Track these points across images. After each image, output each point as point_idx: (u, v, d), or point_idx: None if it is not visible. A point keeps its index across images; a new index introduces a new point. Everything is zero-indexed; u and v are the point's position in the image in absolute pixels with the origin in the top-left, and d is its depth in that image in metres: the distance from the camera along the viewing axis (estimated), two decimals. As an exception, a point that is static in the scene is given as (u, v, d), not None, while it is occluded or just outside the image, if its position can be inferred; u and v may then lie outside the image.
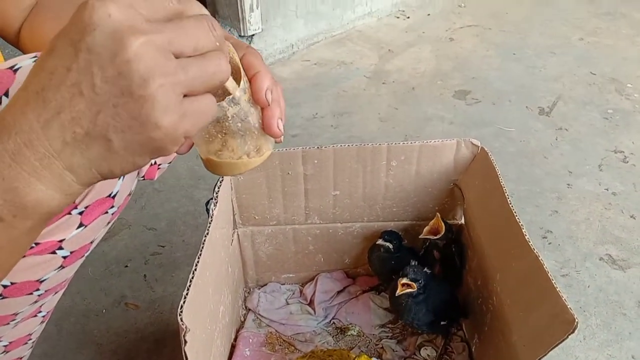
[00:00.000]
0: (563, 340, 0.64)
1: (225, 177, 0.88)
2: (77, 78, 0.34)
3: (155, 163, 0.77)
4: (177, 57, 0.36)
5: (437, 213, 1.00)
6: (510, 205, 0.80)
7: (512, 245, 0.79)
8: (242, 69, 0.47)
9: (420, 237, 1.00)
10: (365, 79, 2.00)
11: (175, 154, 0.83)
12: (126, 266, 1.21)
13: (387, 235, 1.02)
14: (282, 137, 0.53)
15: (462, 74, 2.02)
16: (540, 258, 0.72)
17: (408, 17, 2.50)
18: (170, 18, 0.37)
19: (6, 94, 0.52)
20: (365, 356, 0.86)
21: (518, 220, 0.78)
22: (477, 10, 2.57)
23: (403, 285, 0.91)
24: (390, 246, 1.01)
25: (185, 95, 0.37)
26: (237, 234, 1.03)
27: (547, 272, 0.70)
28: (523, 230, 0.76)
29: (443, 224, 0.98)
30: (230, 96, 0.45)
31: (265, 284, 1.13)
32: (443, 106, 1.82)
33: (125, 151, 0.37)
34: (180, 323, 0.60)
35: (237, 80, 0.46)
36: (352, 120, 1.74)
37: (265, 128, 0.49)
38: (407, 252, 1.02)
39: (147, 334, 1.07)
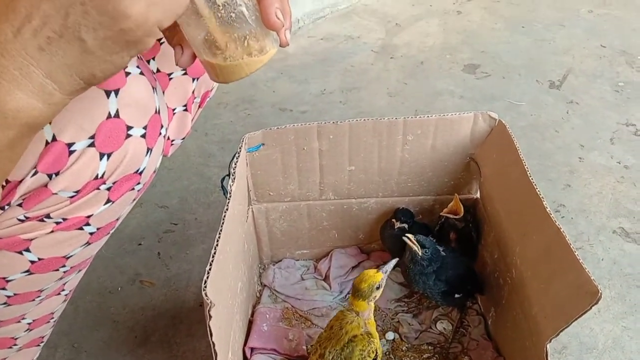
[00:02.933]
0: (586, 311, 0.65)
1: (241, 153, 0.88)
2: None
3: (168, 139, 0.77)
4: None
5: (455, 194, 0.99)
6: (530, 178, 0.80)
7: (533, 218, 0.78)
8: None
9: (441, 214, 1.00)
10: (373, 53, 1.97)
11: (189, 129, 0.83)
12: (140, 244, 1.22)
13: (403, 215, 1.02)
14: (287, 36, 0.51)
15: (471, 47, 2.00)
16: (562, 230, 0.71)
17: (414, -9, 2.47)
18: None
19: None
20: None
21: (538, 192, 0.77)
22: (485, -17, 2.53)
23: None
24: (406, 226, 1.01)
25: None
26: (252, 211, 1.03)
27: (569, 244, 0.69)
28: (544, 203, 0.76)
29: (461, 205, 0.98)
30: None
31: (280, 260, 1.13)
32: (452, 80, 1.80)
33: (101, 50, 0.38)
34: (205, 298, 0.60)
35: None
36: (361, 95, 1.73)
37: (263, 20, 0.48)
38: (420, 229, 1.02)
39: (163, 311, 1.08)
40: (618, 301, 1.08)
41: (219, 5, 0.45)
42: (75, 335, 1.04)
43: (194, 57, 0.52)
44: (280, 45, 0.52)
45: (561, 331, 0.67)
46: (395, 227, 1.02)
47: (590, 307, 0.64)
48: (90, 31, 0.37)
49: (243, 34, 0.48)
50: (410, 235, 0.91)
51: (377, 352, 0.82)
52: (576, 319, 0.65)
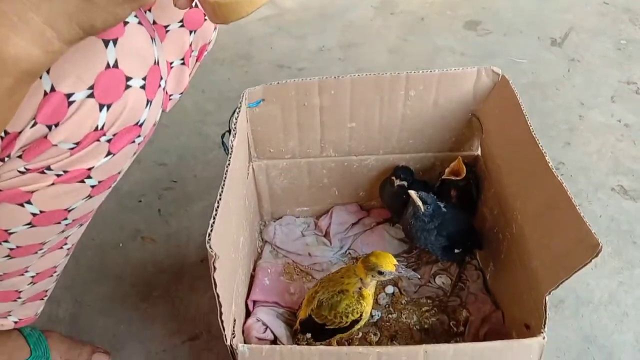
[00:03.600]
0: (587, 263, 0.65)
1: (241, 109, 0.87)
2: None
3: (167, 93, 0.76)
4: None
5: (459, 156, 0.99)
6: (533, 133, 0.80)
7: (535, 173, 0.78)
8: None
9: (443, 177, 1.00)
10: (372, 9, 1.94)
11: (187, 84, 0.82)
12: (140, 201, 1.22)
13: (402, 172, 1.02)
14: None
15: (472, 3, 1.96)
16: (564, 185, 0.71)
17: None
18: None
19: None
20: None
21: (541, 147, 0.77)
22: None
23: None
24: (406, 184, 1.01)
25: None
26: (252, 168, 1.02)
27: (571, 198, 0.70)
28: (546, 158, 0.76)
29: (464, 166, 0.98)
30: None
31: (280, 217, 1.13)
32: (453, 37, 1.77)
33: (103, 0, 0.38)
34: (210, 250, 0.61)
35: None
36: (360, 52, 1.71)
37: None
38: (420, 187, 1.02)
39: (165, 267, 1.09)
40: (615, 257, 1.09)
41: None
42: (78, 290, 1.05)
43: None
44: None
45: (561, 283, 0.68)
46: (395, 184, 1.02)
47: (591, 260, 0.64)
48: None
49: None
50: (413, 192, 0.91)
51: (361, 315, 0.83)
52: (577, 271, 0.66)
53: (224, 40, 1.67)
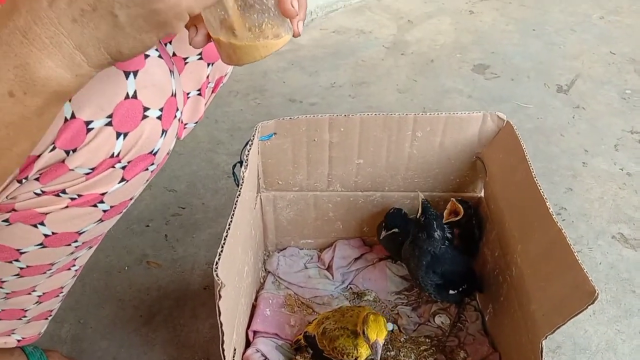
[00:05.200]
0: (583, 310, 0.66)
1: (253, 142, 0.89)
2: None
3: (182, 122, 0.79)
4: None
5: (452, 198, 1.02)
6: (535, 180, 0.82)
7: (535, 218, 0.80)
8: None
9: (444, 221, 1.02)
10: (384, 49, 1.99)
11: (202, 114, 0.85)
12: (147, 226, 1.24)
13: (390, 220, 1.05)
14: (300, 27, 0.53)
15: (482, 47, 2.01)
16: (563, 231, 0.73)
17: (428, -12, 2.47)
18: None
19: None
20: (381, 317, 0.88)
21: (542, 193, 0.79)
22: (498, -16, 2.54)
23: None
24: (397, 230, 1.03)
25: None
26: (260, 198, 1.05)
27: (569, 245, 0.71)
28: (547, 204, 0.78)
29: (460, 205, 1.00)
30: None
31: (285, 248, 1.15)
32: (462, 80, 1.82)
33: (131, 27, 0.39)
34: (216, 278, 0.63)
35: None
36: (371, 90, 1.75)
37: (280, 6, 0.50)
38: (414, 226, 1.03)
39: (168, 292, 1.10)
40: (613, 305, 1.10)
41: None
42: (82, 312, 1.06)
43: (208, 38, 0.53)
44: (292, 36, 0.53)
45: (557, 328, 0.69)
46: (381, 236, 1.05)
47: (587, 306, 0.66)
48: (124, 8, 0.38)
49: (261, 18, 0.49)
50: (421, 195, 0.95)
51: (356, 359, 0.85)
52: (573, 317, 0.67)
53: (239, 72, 1.71)
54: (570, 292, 0.70)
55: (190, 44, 0.54)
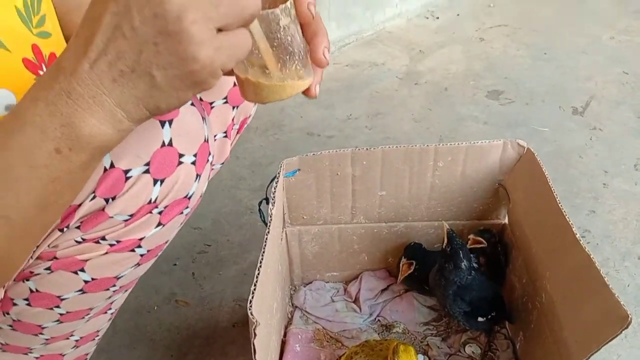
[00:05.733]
0: (616, 335, 0.66)
1: (279, 179, 0.92)
2: (118, 21, 0.38)
3: (210, 162, 0.81)
4: None
5: (470, 235, 1.03)
6: (559, 205, 0.82)
7: (562, 243, 0.81)
8: None
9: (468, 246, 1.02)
10: (398, 79, 2.02)
11: (228, 155, 0.87)
12: (175, 264, 1.26)
13: (409, 253, 1.07)
14: (317, 89, 0.54)
15: (494, 74, 2.03)
16: (591, 256, 0.74)
17: (437, 18, 2.52)
18: None
19: None
20: (411, 347, 0.89)
21: (568, 219, 0.80)
22: (507, 10, 2.58)
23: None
24: (414, 264, 1.05)
25: (220, 30, 0.40)
26: (286, 233, 1.06)
27: (598, 269, 0.72)
28: (573, 229, 0.78)
29: (479, 238, 1.01)
30: (282, 5, 0.47)
31: (311, 282, 1.16)
32: (476, 106, 1.83)
33: (168, 86, 0.41)
34: (251, 317, 0.64)
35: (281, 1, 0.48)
36: (386, 121, 1.77)
37: (312, 54, 0.51)
38: (434, 258, 1.03)
39: (198, 330, 1.11)
40: (646, 327, 1.08)
41: (280, 27, 0.48)
42: (114, 353, 1.07)
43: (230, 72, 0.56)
44: (308, 96, 0.54)
45: (591, 355, 0.69)
46: (401, 270, 1.07)
47: (621, 332, 0.66)
48: (161, 69, 0.40)
49: (292, 60, 0.51)
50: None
51: None
52: (607, 343, 0.67)
53: (257, 110, 1.74)
54: (603, 317, 0.70)
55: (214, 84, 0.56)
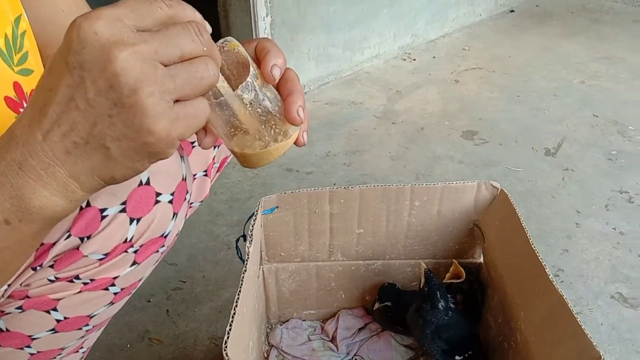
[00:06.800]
0: (589, 376, 0.67)
1: (257, 216, 0.92)
2: (72, 93, 0.38)
3: (188, 202, 0.81)
4: (164, 65, 0.38)
5: (454, 260, 1.04)
6: (532, 246, 0.84)
7: (536, 284, 0.82)
8: (249, 58, 0.49)
9: (444, 281, 1.03)
10: (375, 118, 2.06)
11: (208, 193, 0.87)
12: (149, 301, 1.24)
13: (383, 293, 1.07)
14: (305, 137, 0.54)
15: (469, 114, 2.08)
16: (564, 297, 0.75)
17: (414, 60, 2.59)
18: (160, 24, 0.39)
19: None
20: None
21: (541, 260, 0.81)
22: (481, 54, 2.66)
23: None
24: (389, 304, 1.06)
25: (177, 100, 0.39)
26: (263, 270, 1.06)
27: (571, 311, 0.73)
28: (546, 270, 0.80)
29: (462, 268, 1.02)
30: (243, 84, 0.47)
31: (287, 320, 1.15)
32: (452, 146, 1.87)
33: (123, 158, 0.40)
34: (226, 358, 0.63)
35: (246, 70, 0.48)
36: (364, 158, 1.79)
37: (286, 116, 0.51)
38: (409, 298, 1.04)
39: (171, 369, 1.09)
40: (619, 367, 1.10)
41: (246, 104, 0.48)
42: (84, 393, 1.04)
43: (216, 138, 0.56)
44: (297, 145, 0.54)
45: (566, 396, 0.70)
46: (374, 307, 1.07)
47: (593, 372, 0.67)
48: (115, 141, 0.38)
49: (269, 125, 0.51)
50: (424, 267, 0.97)
51: None
52: (581, 384, 0.68)
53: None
54: (576, 357, 0.70)
55: (199, 145, 0.57)
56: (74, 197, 0.41)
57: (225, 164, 0.90)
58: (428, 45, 2.73)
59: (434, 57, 2.63)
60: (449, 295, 0.96)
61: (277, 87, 0.53)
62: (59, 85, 0.38)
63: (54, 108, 0.38)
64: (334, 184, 0.98)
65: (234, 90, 0.48)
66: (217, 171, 0.89)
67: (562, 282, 1.29)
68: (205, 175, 0.83)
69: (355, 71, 2.42)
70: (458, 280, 1.03)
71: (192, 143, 0.80)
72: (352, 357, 1.07)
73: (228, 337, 0.66)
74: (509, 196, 0.94)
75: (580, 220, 1.51)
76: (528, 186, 1.66)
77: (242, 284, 0.75)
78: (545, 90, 2.29)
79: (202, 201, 0.87)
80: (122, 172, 0.41)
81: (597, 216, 1.53)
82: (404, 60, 2.59)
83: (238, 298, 0.73)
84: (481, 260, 1.08)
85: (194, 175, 0.81)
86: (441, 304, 0.94)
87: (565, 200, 1.60)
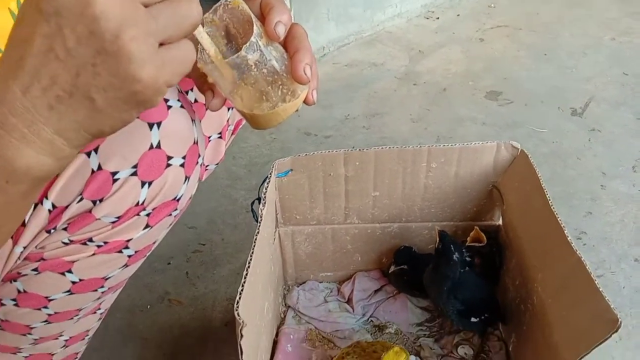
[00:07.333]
0: (606, 339, 0.66)
1: (271, 179, 0.91)
2: (50, 43, 0.35)
3: (203, 165, 0.81)
4: (145, 6, 0.36)
5: (476, 227, 1.02)
6: (552, 208, 0.82)
7: (554, 246, 0.80)
8: (253, 16, 0.47)
9: (467, 244, 1.02)
10: (396, 80, 2.01)
11: (223, 155, 0.87)
12: (169, 263, 1.26)
13: (399, 257, 1.07)
14: (315, 96, 0.53)
15: (494, 74, 2.03)
16: (582, 259, 0.73)
17: (438, 18, 2.51)
18: None
19: None
20: (402, 349, 0.89)
21: (560, 222, 0.79)
22: (507, 11, 2.57)
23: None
24: (405, 267, 1.05)
25: (161, 44, 0.37)
26: (279, 233, 1.06)
27: (589, 273, 0.71)
28: (565, 232, 0.78)
29: (483, 234, 1.01)
30: (247, 44, 0.46)
31: (304, 282, 1.16)
32: (475, 107, 1.83)
33: (110, 109, 0.38)
34: (237, 317, 0.63)
35: (250, 28, 0.47)
36: (384, 121, 1.77)
37: (292, 74, 0.49)
38: (425, 261, 1.03)
39: (190, 330, 1.11)
40: (640, 330, 1.08)
41: (251, 65, 0.47)
42: (106, 352, 1.07)
43: (224, 100, 0.55)
44: (306, 103, 0.53)
45: (581, 358, 0.69)
46: (390, 270, 1.07)
47: (610, 335, 0.65)
48: (101, 91, 0.36)
49: (276, 85, 0.49)
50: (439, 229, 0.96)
51: None
52: (596, 347, 0.66)
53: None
54: (593, 321, 0.69)
55: (207, 108, 0.55)
56: (61, 155, 0.40)
57: (240, 126, 0.89)
58: (452, 3, 2.64)
59: (458, 15, 2.55)
60: (464, 251, 0.95)
61: (284, 45, 0.51)
62: (34, 35, 0.35)
63: (32, 61, 0.35)
64: (353, 147, 0.96)
65: (238, 51, 0.47)
66: (232, 134, 0.88)
67: (584, 244, 1.26)
68: (220, 137, 0.83)
69: (376, 31, 2.36)
70: (479, 244, 1.02)
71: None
72: (368, 319, 1.08)
73: (240, 298, 0.66)
74: (529, 157, 0.92)
75: (605, 182, 1.47)
76: (553, 147, 1.62)
77: (254, 246, 0.75)
78: (574, 48, 2.21)
79: (217, 164, 0.86)
80: (110, 123, 0.39)
81: (624, 178, 1.49)
82: (427, 18, 2.51)
83: (250, 259, 0.73)
84: (500, 222, 1.06)
85: (209, 137, 0.80)
86: (455, 256, 0.93)
87: (590, 162, 1.55)
